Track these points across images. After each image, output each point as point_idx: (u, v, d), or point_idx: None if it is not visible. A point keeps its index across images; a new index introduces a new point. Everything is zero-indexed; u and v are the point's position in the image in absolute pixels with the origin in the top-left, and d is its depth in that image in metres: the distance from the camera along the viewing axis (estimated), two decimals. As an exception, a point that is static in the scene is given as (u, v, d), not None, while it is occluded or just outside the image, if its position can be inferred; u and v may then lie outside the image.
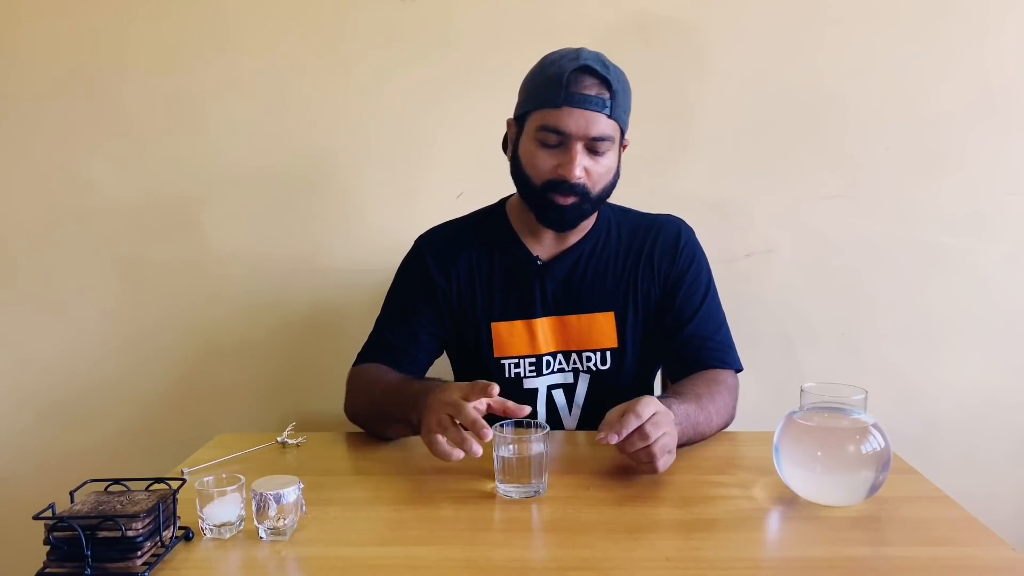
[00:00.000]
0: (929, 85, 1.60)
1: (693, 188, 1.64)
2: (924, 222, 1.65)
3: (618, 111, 1.17)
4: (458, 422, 1.00)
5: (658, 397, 1.07)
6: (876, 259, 1.66)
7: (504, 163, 1.63)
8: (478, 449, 0.98)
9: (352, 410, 1.27)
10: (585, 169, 1.17)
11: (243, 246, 1.69)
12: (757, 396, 1.50)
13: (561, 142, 1.16)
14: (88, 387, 1.73)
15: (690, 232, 1.33)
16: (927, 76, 1.60)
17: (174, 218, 1.67)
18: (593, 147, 1.17)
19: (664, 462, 1.00)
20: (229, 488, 0.89)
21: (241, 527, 0.90)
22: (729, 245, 1.64)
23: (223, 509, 0.88)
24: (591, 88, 1.14)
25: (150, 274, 1.70)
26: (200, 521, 0.89)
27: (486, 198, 1.40)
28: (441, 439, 1.00)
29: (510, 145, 1.26)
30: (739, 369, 1.28)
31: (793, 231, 1.66)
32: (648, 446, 0.98)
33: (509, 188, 1.40)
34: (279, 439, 1.22)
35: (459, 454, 0.99)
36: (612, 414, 1.01)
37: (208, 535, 0.89)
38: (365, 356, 1.30)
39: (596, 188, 1.19)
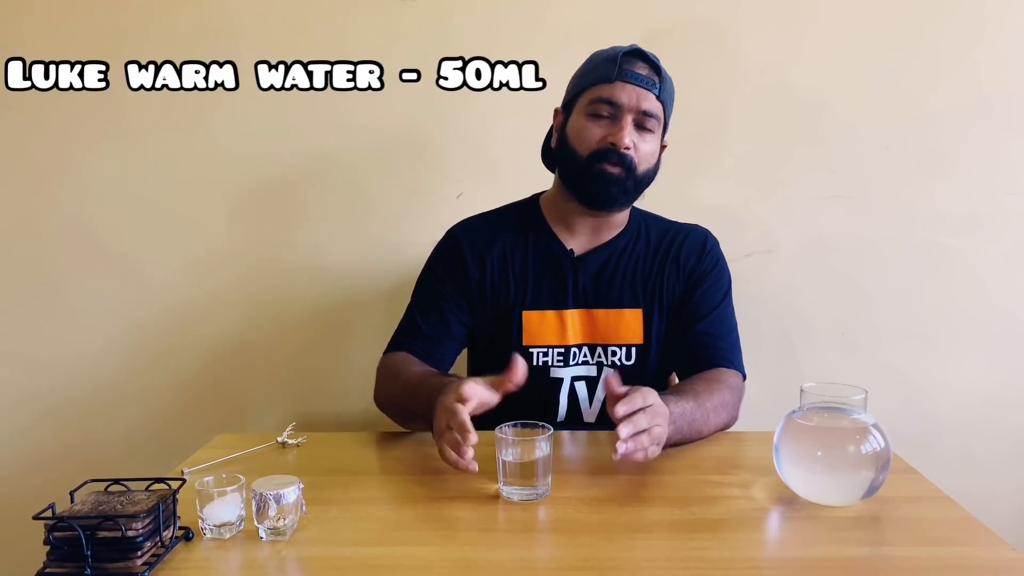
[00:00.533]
0: (928, 85, 1.60)
1: (693, 188, 1.64)
2: (923, 222, 1.65)
3: (665, 95, 1.23)
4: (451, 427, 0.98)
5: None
6: (876, 259, 1.66)
7: (504, 164, 1.63)
8: (471, 462, 0.96)
9: (379, 400, 1.29)
10: (633, 143, 1.20)
11: (243, 246, 1.68)
12: (757, 396, 1.50)
13: (612, 114, 1.21)
14: (88, 387, 1.73)
15: (716, 241, 1.37)
16: (925, 76, 1.60)
17: (174, 218, 1.67)
18: (641, 122, 1.21)
19: (652, 452, 0.99)
20: (229, 488, 0.89)
21: (241, 527, 0.90)
22: (729, 245, 1.63)
23: (223, 509, 0.88)
24: (643, 69, 1.22)
25: (150, 274, 1.69)
26: (200, 521, 0.89)
27: (486, 198, 1.40)
28: (448, 448, 0.99)
29: (556, 133, 1.30)
30: (744, 375, 1.29)
31: (793, 231, 1.66)
32: (641, 433, 0.97)
33: (509, 188, 1.40)
34: (279, 439, 1.21)
35: (474, 466, 0.97)
36: (619, 404, 0.98)
37: (208, 535, 0.89)
38: (395, 343, 1.31)
39: (641, 167, 1.22)
